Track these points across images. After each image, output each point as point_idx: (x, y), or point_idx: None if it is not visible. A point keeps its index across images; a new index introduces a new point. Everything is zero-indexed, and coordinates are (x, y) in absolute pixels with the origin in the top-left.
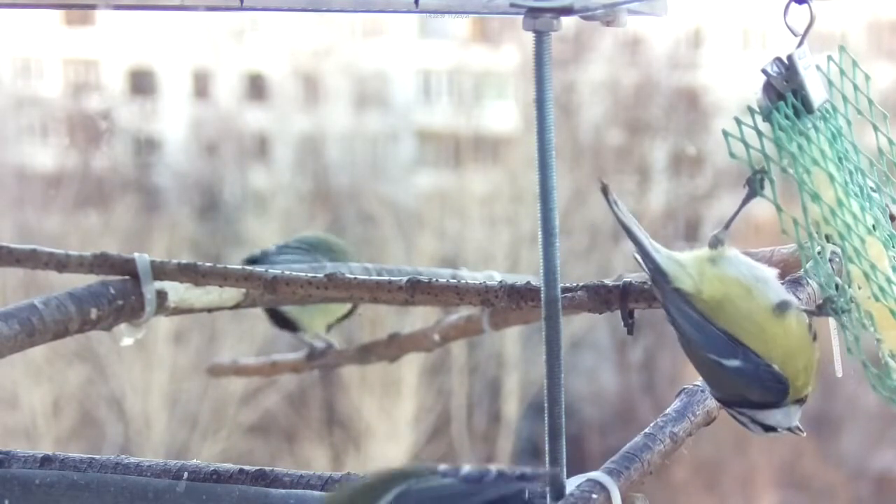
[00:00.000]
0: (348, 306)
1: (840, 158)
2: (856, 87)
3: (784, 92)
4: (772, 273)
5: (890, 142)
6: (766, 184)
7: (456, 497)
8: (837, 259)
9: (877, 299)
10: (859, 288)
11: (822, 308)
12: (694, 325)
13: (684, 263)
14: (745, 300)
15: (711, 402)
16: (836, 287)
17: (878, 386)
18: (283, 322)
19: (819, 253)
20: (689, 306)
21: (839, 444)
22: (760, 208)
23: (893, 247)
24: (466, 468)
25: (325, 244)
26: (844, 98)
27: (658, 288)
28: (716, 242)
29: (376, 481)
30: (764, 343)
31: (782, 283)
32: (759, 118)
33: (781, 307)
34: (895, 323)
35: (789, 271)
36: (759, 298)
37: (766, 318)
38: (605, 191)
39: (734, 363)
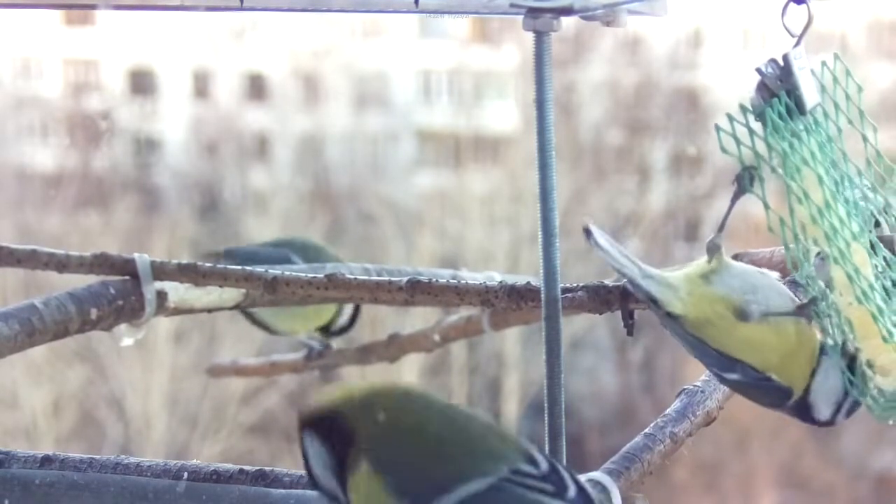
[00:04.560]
0: (332, 313)
1: (829, 164)
2: (847, 97)
3: (777, 92)
4: (768, 279)
5: (878, 153)
6: (756, 181)
7: None
8: (821, 262)
9: (860, 302)
10: (840, 294)
11: (803, 310)
12: (690, 344)
13: (676, 285)
14: (726, 319)
15: (711, 403)
16: (821, 292)
17: (855, 393)
18: (259, 323)
19: (804, 254)
20: (682, 329)
21: (839, 444)
22: (761, 208)
23: (876, 255)
24: (572, 491)
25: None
26: (836, 105)
27: (653, 311)
28: (713, 248)
29: (459, 445)
30: (759, 354)
31: (783, 283)
32: (752, 117)
33: (742, 316)
34: (875, 331)
35: (789, 272)
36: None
37: (751, 331)
38: (586, 232)
39: (734, 376)
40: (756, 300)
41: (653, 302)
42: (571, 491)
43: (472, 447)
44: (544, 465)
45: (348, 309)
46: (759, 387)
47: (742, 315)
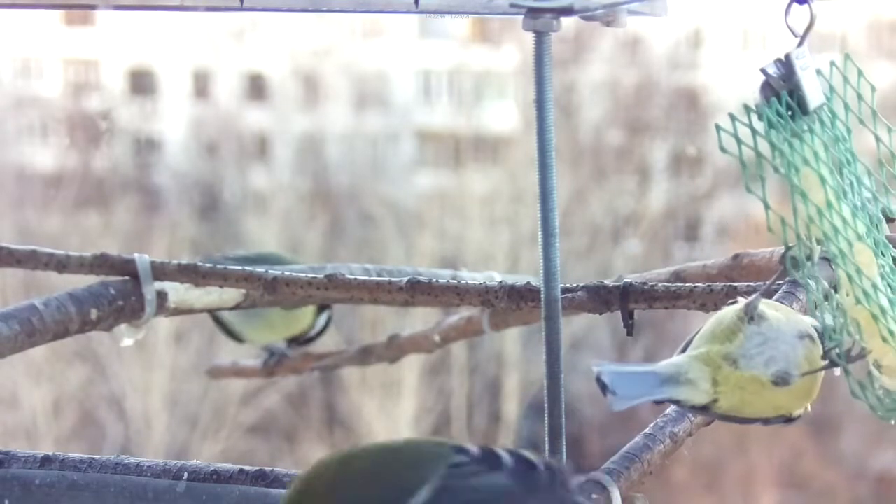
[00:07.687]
0: (304, 325)
1: (840, 164)
2: (859, 96)
3: (780, 91)
4: (781, 332)
5: (891, 153)
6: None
7: (514, 499)
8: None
9: (858, 302)
10: (847, 294)
11: (827, 356)
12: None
13: (695, 380)
14: (761, 397)
15: None
16: (826, 295)
17: (859, 394)
18: (227, 331)
19: (808, 257)
20: (707, 412)
21: (839, 444)
22: (761, 209)
23: (884, 255)
24: (507, 459)
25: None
26: (846, 105)
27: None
28: (750, 312)
29: (393, 465)
30: (778, 409)
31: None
32: (754, 116)
33: (782, 383)
34: (882, 331)
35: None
36: (776, 389)
37: (784, 398)
38: (599, 382)
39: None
40: (781, 368)
41: (674, 402)
42: (509, 462)
43: (411, 462)
44: (475, 451)
45: (322, 321)
46: (763, 422)
47: (782, 382)
